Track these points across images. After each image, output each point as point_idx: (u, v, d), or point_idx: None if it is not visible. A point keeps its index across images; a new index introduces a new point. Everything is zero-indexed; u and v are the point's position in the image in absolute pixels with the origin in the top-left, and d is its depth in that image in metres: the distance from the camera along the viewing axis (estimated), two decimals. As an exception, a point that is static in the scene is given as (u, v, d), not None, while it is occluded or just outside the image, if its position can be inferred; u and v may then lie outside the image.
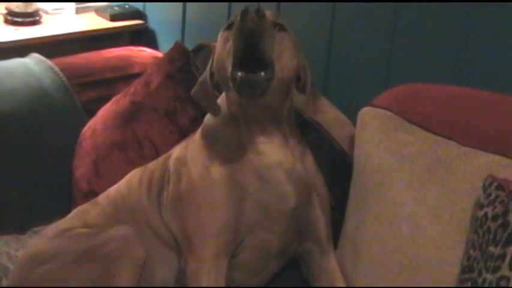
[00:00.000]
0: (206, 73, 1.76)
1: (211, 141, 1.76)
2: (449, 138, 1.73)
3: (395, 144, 1.79)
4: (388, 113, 1.84)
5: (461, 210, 1.64)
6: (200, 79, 1.79)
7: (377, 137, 1.83)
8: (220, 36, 1.70)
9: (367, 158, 1.84)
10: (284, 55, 1.65)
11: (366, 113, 1.89)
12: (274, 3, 2.39)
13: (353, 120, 1.97)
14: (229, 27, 1.67)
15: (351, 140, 1.97)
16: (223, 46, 1.66)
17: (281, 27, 1.67)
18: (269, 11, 1.66)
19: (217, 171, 1.72)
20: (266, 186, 1.71)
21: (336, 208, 1.91)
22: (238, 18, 1.56)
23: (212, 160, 1.73)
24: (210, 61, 1.76)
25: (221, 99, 1.77)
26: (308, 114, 1.76)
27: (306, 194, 1.76)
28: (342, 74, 2.29)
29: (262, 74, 1.57)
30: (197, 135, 1.81)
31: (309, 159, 1.81)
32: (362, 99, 1.97)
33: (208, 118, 1.81)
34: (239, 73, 1.57)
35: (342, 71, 2.28)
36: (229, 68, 1.59)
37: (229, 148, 1.73)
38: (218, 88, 1.76)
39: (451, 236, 1.65)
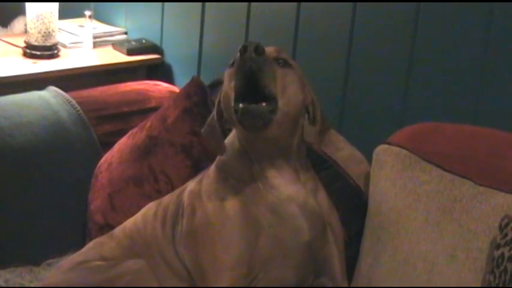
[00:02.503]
0: (214, 112, 1.78)
1: (224, 175, 1.77)
2: (465, 178, 1.73)
3: (411, 183, 1.79)
4: (404, 151, 1.85)
5: (477, 250, 1.64)
6: (209, 119, 1.80)
7: (393, 175, 1.83)
8: (226, 74, 1.71)
9: (382, 196, 1.84)
10: (288, 90, 1.65)
11: (381, 150, 1.90)
12: (291, 45, 2.41)
13: (368, 157, 1.97)
14: (233, 64, 1.69)
15: (366, 177, 1.97)
16: (228, 83, 1.68)
17: (285, 63, 1.68)
18: (272, 47, 1.69)
19: (232, 205, 1.72)
20: (280, 220, 1.71)
21: (350, 244, 1.91)
22: (238, 55, 1.58)
23: (226, 194, 1.74)
24: (217, 99, 1.77)
25: (232, 135, 1.78)
26: (313, 147, 1.76)
27: (319, 227, 1.76)
28: (358, 112, 2.29)
29: (264, 104, 1.59)
30: (211, 170, 1.82)
31: (322, 195, 1.81)
32: (377, 137, 1.98)
33: (222, 153, 1.82)
34: (240, 104, 1.59)
35: (357, 108, 2.29)
36: (233, 103, 1.62)
37: (242, 182, 1.74)
38: (227, 125, 1.77)
39: (466, 275, 1.65)
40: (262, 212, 1.71)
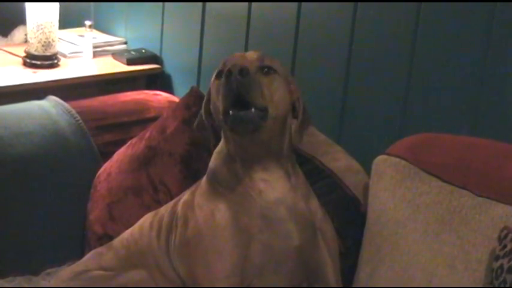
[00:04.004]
0: (201, 112, 1.80)
1: (215, 184, 1.78)
2: (464, 189, 1.73)
3: (410, 194, 1.79)
4: (403, 162, 1.85)
5: (476, 261, 1.64)
6: (198, 116, 1.83)
7: (392, 186, 1.83)
8: (212, 84, 1.73)
9: (381, 206, 1.84)
10: (276, 96, 1.67)
11: (381, 161, 1.90)
12: (290, 56, 2.41)
13: (367, 168, 1.97)
14: (218, 75, 1.70)
15: (364, 187, 1.97)
16: (216, 94, 1.69)
17: (268, 69, 1.69)
18: (254, 52, 1.72)
19: (222, 215, 1.73)
20: (269, 225, 1.72)
21: (348, 255, 1.90)
22: (223, 80, 1.61)
23: (217, 204, 1.75)
24: (205, 100, 1.79)
25: (220, 144, 1.80)
26: (293, 142, 1.77)
27: (309, 232, 1.76)
28: (357, 122, 2.29)
29: (253, 110, 1.61)
30: (203, 180, 1.83)
31: (314, 202, 1.81)
32: (377, 147, 1.98)
33: (212, 162, 1.82)
34: (230, 111, 1.61)
35: (356, 119, 2.29)
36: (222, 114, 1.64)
37: (231, 190, 1.75)
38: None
39: (465, 286, 1.64)
40: (252, 219, 1.72)
